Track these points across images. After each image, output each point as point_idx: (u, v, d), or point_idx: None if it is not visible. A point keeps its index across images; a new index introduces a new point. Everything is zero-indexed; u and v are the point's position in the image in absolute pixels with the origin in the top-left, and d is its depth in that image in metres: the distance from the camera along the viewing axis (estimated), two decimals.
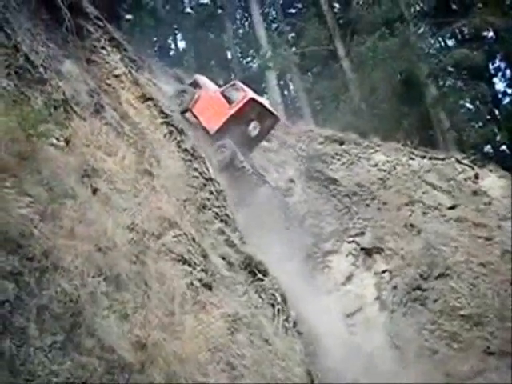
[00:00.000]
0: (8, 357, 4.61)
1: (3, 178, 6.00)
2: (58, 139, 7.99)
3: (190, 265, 8.71)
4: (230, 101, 18.02)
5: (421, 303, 17.41)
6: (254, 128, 18.12)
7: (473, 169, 21.27)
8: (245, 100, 17.86)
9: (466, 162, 21.59)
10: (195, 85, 19.24)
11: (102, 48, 13.11)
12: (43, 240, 5.73)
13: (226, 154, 17.03)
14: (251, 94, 18.15)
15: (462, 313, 17.07)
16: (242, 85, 18.91)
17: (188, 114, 18.08)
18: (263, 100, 19.39)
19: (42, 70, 9.18)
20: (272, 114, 18.82)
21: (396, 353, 16.41)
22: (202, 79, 19.85)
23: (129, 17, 27.91)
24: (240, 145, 17.51)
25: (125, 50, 14.14)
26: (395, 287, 17.76)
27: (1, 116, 6.75)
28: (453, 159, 21.63)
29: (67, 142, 8.21)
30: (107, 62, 12.91)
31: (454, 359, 16.40)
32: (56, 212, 6.41)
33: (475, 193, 20.18)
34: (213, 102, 18.19)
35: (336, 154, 21.30)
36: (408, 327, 17.00)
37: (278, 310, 10.47)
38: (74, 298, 5.55)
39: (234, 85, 18.89)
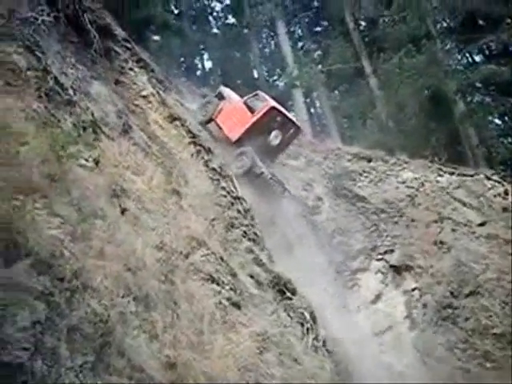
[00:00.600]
0: (39, 377, 4.63)
1: (34, 200, 6.06)
2: (87, 160, 8.07)
3: (218, 284, 8.70)
4: (252, 110, 18.32)
5: (452, 321, 17.18)
6: (275, 137, 18.35)
7: (502, 185, 21.03)
8: (266, 108, 18.18)
9: (495, 178, 21.36)
10: (220, 96, 19.53)
11: (130, 69, 13.27)
12: (73, 260, 5.77)
13: (246, 162, 17.21)
14: (272, 103, 18.41)
15: (494, 331, 16.79)
16: (265, 95, 19.23)
17: (212, 125, 18.40)
18: (285, 110, 19.44)
19: (71, 91, 9.30)
20: (294, 123, 19.05)
21: (427, 372, 16.18)
22: (226, 91, 20.16)
23: (156, 38, 28.17)
24: (261, 154, 17.71)
25: (152, 70, 14.29)
26: (425, 305, 17.57)
27: (31, 138, 6.83)
28: (482, 175, 21.41)
29: (96, 162, 8.29)
30: (135, 83, 13.05)
31: (487, 379, 16.10)
32: (86, 232, 6.45)
33: (505, 209, 19.92)
34: (235, 111, 18.54)
35: (364, 171, 21.24)
36: (439, 346, 16.77)
37: (307, 328, 10.40)
38: (104, 318, 5.57)
39: (256, 95, 19.18)
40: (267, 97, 19.04)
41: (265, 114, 18.10)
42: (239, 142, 17.87)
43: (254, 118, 18.05)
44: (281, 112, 18.64)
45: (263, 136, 18.19)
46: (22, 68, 8.48)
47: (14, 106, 7.34)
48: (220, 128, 18.44)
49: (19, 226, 5.38)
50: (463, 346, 16.73)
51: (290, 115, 19.79)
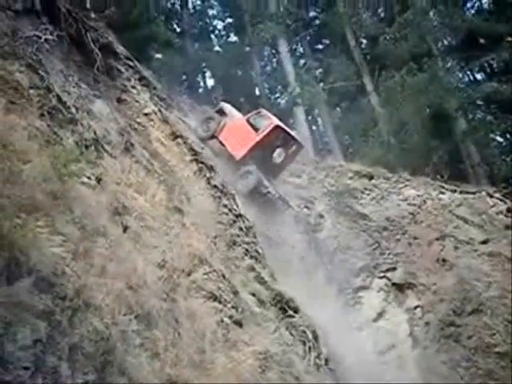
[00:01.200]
0: None
1: (36, 218, 6.06)
2: (89, 178, 8.09)
3: (220, 302, 8.68)
4: (255, 128, 18.48)
5: (454, 340, 17.08)
6: (278, 155, 18.66)
7: (505, 202, 20.98)
8: (271, 127, 18.38)
9: (497, 195, 21.31)
10: (221, 112, 19.69)
11: (132, 87, 13.33)
12: (75, 278, 5.76)
13: (251, 180, 17.46)
14: (277, 122, 18.60)
15: (497, 350, 16.69)
16: (268, 113, 19.42)
17: (213, 141, 18.52)
18: (288, 128, 19.61)
19: (73, 110, 9.35)
20: (296, 141, 19.26)
21: None
22: (228, 107, 20.33)
23: (158, 56, 28.28)
24: (264, 171, 17.92)
25: (154, 88, 14.37)
26: (428, 323, 17.49)
27: (34, 156, 6.85)
28: (484, 193, 21.37)
29: (98, 180, 8.31)
30: (137, 101, 13.11)
31: None
32: (88, 250, 6.45)
33: (507, 227, 19.85)
34: (238, 129, 18.66)
35: (365, 188, 21.22)
36: (442, 364, 16.67)
37: (310, 347, 10.36)
38: (106, 336, 5.55)
39: (259, 112, 19.35)
40: (270, 115, 19.21)
41: (269, 132, 18.30)
42: (243, 160, 18.00)
43: (259, 137, 18.22)
44: (284, 130, 18.79)
45: (267, 154, 18.43)
46: (25, 86, 8.54)
47: (16, 124, 7.37)
48: (223, 145, 18.57)
49: (21, 244, 5.38)
50: (466, 364, 16.63)
51: (293, 133, 19.87)
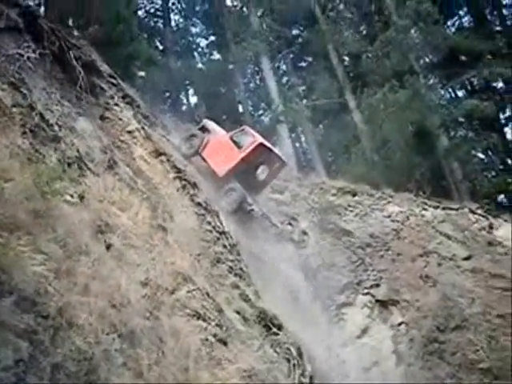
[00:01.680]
0: None
1: (18, 236, 6.03)
2: (72, 196, 8.06)
3: (204, 320, 8.63)
4: (238, 145, 18.56)
5: (438, 356, 17.07)
6: (262, 172, 18.96)
7: (487, 219, 21.12)
8: (254, 145, 18.43)
9: (479, 212, 21.45)
10: (204, 129, 19.81)
11: (116, 105, 13.31)
12: (58, 297, 5.72)
13: (235, 198, 17.56)
14: (260, 139, 18.69)
15: (481, 366, 16.69)
16: (251, 130, 19.52)
17: (196, 158, 18.62)
18: (271, 145, 19.70)
19: (56, 127, 9.33)
20: (280, 158, 19.36)
21: None
22: (211, 124, 20.46)
23: (141, 73, 28.29)
24: (247, 188, 18.02)
25: (138, 106, 14.37)
26: (412, 340, 17.46)
27: (16, 174, 6.81)
28: (466, 209, 21.50)
29: (81, 198, 8.28)
30: (120, 119, 13.08)
31: None
32: (70, 269, 6.41)
33: (490, 243, 19.97)
34: (222, 146, 18.75)
35: (349, 205, 21.26)
36: (426, 381, 16.66)
37: (294, 364, 10.30)
38: (89, 355, 5.51)
39: (243, 130, 19.43)
40: (254, 132, 19.31)
41: (253, 150, 18.31)
42: (226, 177, 18.05)
43: (242, 154, 18.24)
44: (268, 148, 18.87)
45: (250, 171, 18.60)
46: (7, 104, 8.51)
47: None
48: (205, 162, 18.61)
49: (3, 262, 5.35)
50: (450, 381, 16.61)
51: (276, 150, 19.96)
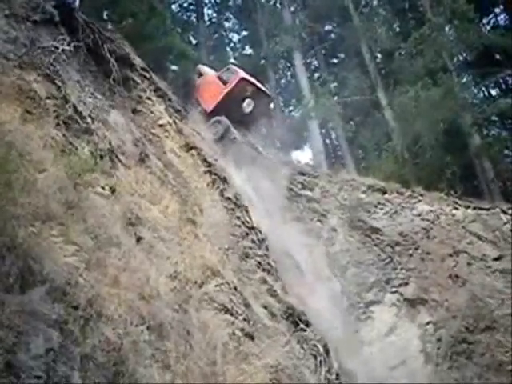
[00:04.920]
0: None
1: (50, 227, 6.09)
2: (103, 188, 8.12)
3: (232, 314, 8.65)
4: (225, 83, 20.23)
5: (466, 357, 16.88)
6: (248, 105, 20.16)
7: None
8: (237, 79, 20.16)
9: (511, 212, 21.17)
10: (199, 74, 22.03)
11: (148, 98, 13.39)
12: (88, 288, 5.77)
13: (220, 128, 18.78)
14: (242, 74, 20.41)
15: (509, 368, 16.48)
16: (236, 68, 21.45)
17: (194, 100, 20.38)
18: (256, 81, 21.13)
19: (89, 120, 9.40)
20: (265, 93, 21.07)
21: None
22: (204, 68, 22.85)
23: (174, 67, 28.41)
24: (237, 122, 19.45)
25: (169, 100, 14.43)
26: (440, 340, 17.29)
27: (49, 165, 6.89)
28: (498, 209, 21.19)
29: (112, 190, 8.34)
30: (152, 112, 13.16)
31: None
32: (101, 260, 6.47)
33: None
34: (210, 85, 20.70)
35: (379, 203, 21.09)
36: (454, 381, 16.51)
37: (321, 361, 10.30)
38: (117, 346, 5.55)
39: (228, 69, 21.41)
40: (238, 69, 20.98)
41: (236, 84, 19.98)
42: (214, 113, 19.47)
43: (226, 89, 19.94)
44: (251, 82, 20.44)
45: (236, 105, 19.90)
46: (42, 96, 8.60)
47: (32, 134, 7.42)
48: (199, 102, 20.21)
49: (35, 252, 5.40)
50: (478, 381, 16.43)
51: (261, 85, 21.25)
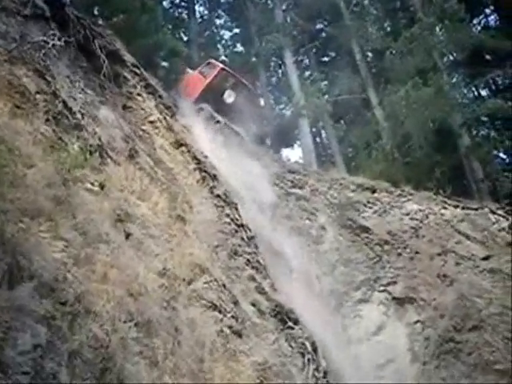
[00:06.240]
0: None
1: (39, 222, 6.07)
2: (92, 184, 8.11)
3: (220, 311, 8.66)
4: (205, 76, 22.31)
5: (454, 356, 16.91)
6: (228, 96, 21.82)
7: (507, 219, 20.84)
8: (216, 71, 22.09)
9: (500, 212, 21.17)
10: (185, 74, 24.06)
11: (138, 94, 13.37)
12: (76, 284, 5.76)
13: (203, 115, 19.93)
14: (221, 66, 22.46)
15: (497, 367, 16.51)
16: (216, 62, 23.59)
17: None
18: (235, 73, 22.96)
19: (79, 115, 9.38)
20: (245, 85, 22.66)
21: None
22: (189, 70, 24.39)
23: (165, 64, 28.37)
24: (219, 111, 20.72)
25: (160, 96, 14.39)
26: (427, 339, 17.33)
27: (38, 161, 6.86)
28: (486, 209, 21.23)
29: (102, 186, 8.32)
30: (142, 109, 13.14)
31: None
32: (90, 256, 6.46)
33: (509, 244, 19.72)
34: (193, 80, 22.60)
35: (368, 202, 21.11)
36: (441, 380, 16.54)
37: (308, 359, 10.31)
38: (105, 343, 5.54)
39: (209, 63, 23.47)
40: (218, 63, 23.11)
41: (215, 76, 21.82)
42: (197, 102, 20.80)
43: (207, 81, 21.77)
44: (231, 74, 22.24)
45: (218, 95, 21.55)
46: (32, 91, 8.57)
47: (22, 129, 7.40)
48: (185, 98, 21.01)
49: (24, 248, 5.39)
50: (465, 381, 16.48)
51: (240, 77, 22.82)
